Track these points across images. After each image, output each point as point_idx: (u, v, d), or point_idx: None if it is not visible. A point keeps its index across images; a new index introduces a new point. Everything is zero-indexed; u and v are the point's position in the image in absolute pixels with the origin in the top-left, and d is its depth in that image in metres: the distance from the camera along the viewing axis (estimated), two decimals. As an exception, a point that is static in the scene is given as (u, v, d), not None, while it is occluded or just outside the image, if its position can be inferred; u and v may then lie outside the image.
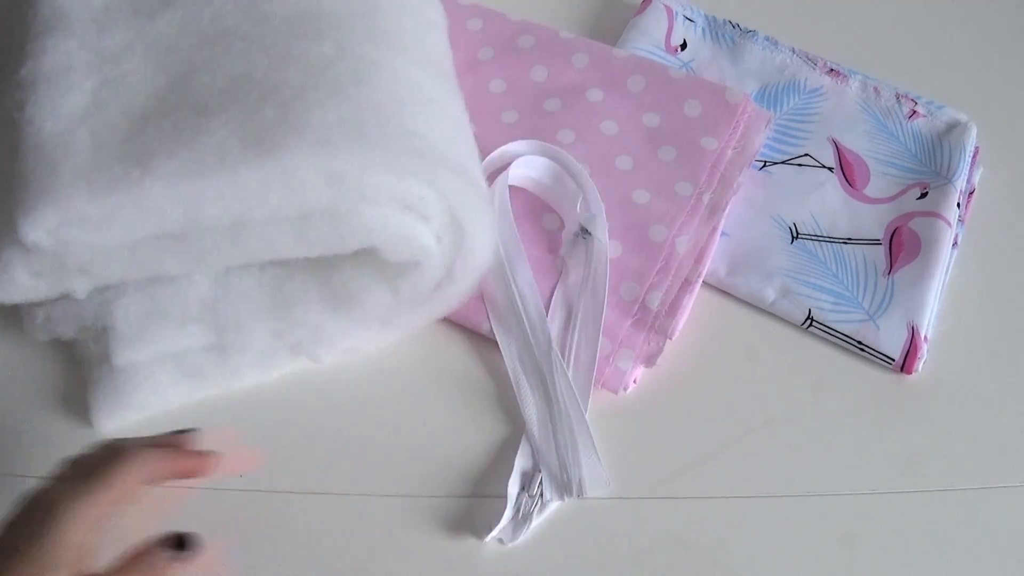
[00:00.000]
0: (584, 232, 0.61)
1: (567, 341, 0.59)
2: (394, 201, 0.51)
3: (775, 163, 0.68)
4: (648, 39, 0.72)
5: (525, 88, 0.68)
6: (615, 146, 0.65)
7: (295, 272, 0.55)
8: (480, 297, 0.60)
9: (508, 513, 0.54)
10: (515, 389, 0.58)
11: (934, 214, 0.64)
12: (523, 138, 0.65)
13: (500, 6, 0.71)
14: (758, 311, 0.63)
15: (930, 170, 0.67)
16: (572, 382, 0.57)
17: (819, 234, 0.65)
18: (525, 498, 0.54)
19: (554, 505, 0.55)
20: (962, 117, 0.69)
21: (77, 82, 0.51)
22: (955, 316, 0.63)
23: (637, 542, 0.55)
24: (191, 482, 0.55)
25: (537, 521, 0.54)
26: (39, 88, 0.50)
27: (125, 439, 0.48)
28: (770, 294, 0.62)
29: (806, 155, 0.68)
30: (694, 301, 0.61)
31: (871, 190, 0.67)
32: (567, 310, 0.60)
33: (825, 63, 0.71)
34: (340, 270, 0.55)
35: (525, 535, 0.54)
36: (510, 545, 0.54)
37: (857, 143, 0.68)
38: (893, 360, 0.60)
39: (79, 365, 0.57)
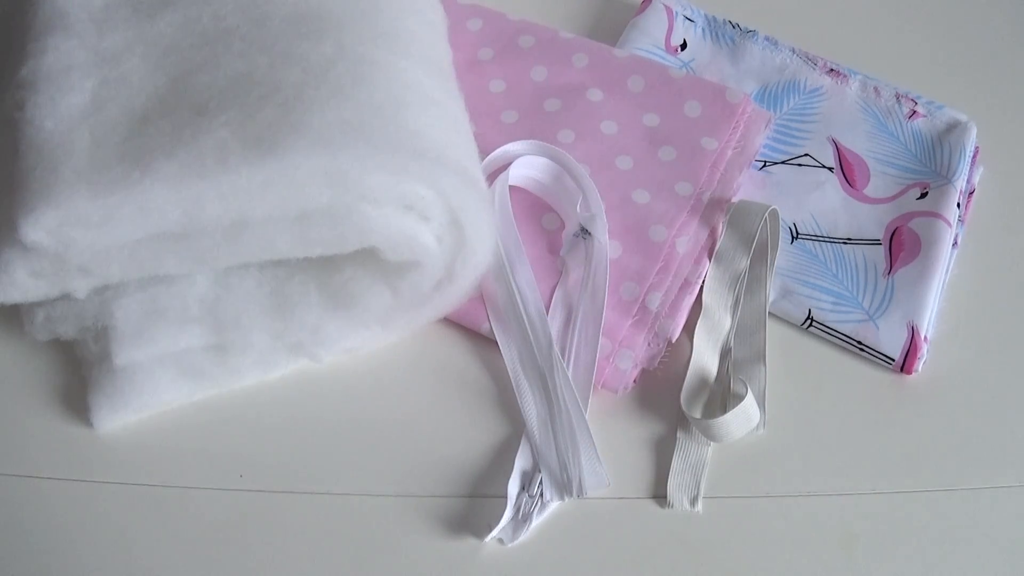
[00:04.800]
0: (584, 232, 0.61)
1: (567, 341, 0.59)
2: (394, 201, 0.51)
3: (775, 163, 0.68)
4: (648, 39, 0.72)
5: (525, 88, 0.68)
6: (615, 146, 0.65)
7: (295, 272, 0.55)
8: (480, 297, 0.60)
9: (508, 513, 0.54)
10: (515, 389, 0.58)
11: (934, 214, 0.64)
12: (523, 138, 0.65)
13: (500, 6, 0.71)
14: (758, 311, 0.63)
15: (930, 170, 0.67)
16: (572, 382, 0.57)
17: (819, 234, 0.65)
18: (525, 498, 0.54)
19: (554, 505, 0.55)
20: (962, 117, 0.69)
21: (77, 82, 0.51)
22: (955, 316, 0.63)
23: (637, 542, 0.55)
24: (191, 481, 0.55)
25: (537, 521, 0.54)
26: (39, 88, 0.50)
27: None
28: (770, 294, 0.62)
29: (806, 155, 0.68)
30: (694, 301, 0.61)
31: (871, 190, 0.67)
32: (567, 310, 0.60)
33: (825, 63, 0.71)
34: (340, 270, 0.55)
35: (525, 535, 0.54)
36: (510, 545, 0.54)
37: (857, 143, 0.68)
38: (893, 360, 0.60)
39: (79, 365, 0.57)
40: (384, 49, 0.53)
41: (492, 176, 0.63)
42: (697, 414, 0.58)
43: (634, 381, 0.59)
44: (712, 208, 0.63)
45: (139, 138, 0.49)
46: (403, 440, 0.57)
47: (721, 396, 0.59)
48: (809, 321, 0.62)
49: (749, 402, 0.56)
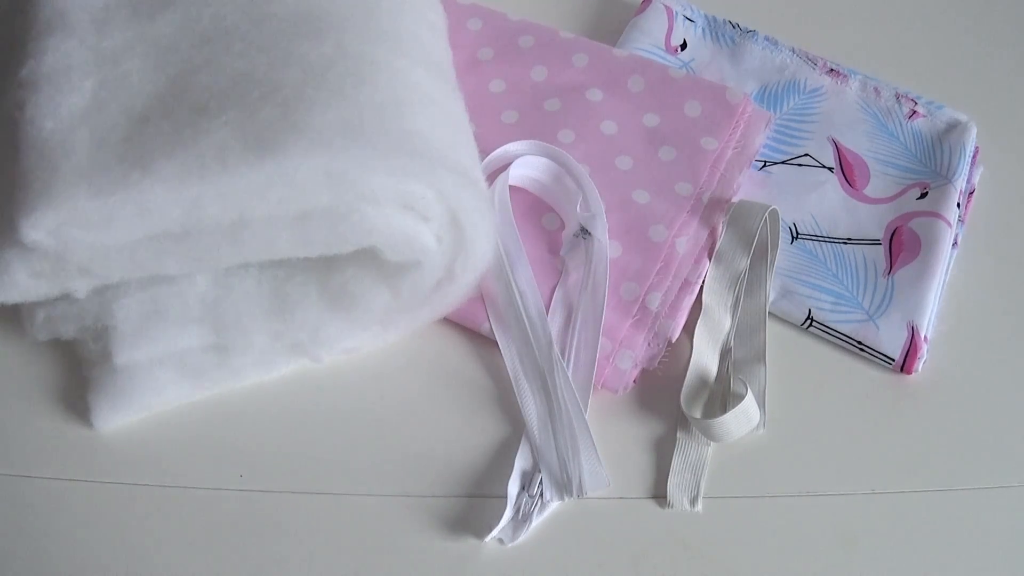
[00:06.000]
0: (584, 232, 0.61)
1: (567, 341, 0.59)
2: (394, 201, 0.51)
3: (775, 163, 0.68)
4: (648, 39, 0.72)
5: (525, 88, 0.68)
6: (615, 146, 0.65)
7: (295, 272, 0.55)
8: (480, 297, 0.60)
9: (508, 513, 0.54)
10: (515, 389, 0.58)
11: (934, 214, 0.64)
12: (523, 138, 0.65)
13: (500, 6, 0.71)
14: (758, 311, 0.63)
15: (930, 170, 0.67)
16: (572, 382, 0.57)
17: (819, 234, 0.65)
18: (525, 498, 0.54)
19: (554, 505, 0.55)
20: (962, 117, 0.69)
21: (77, 82, 0.51)
22: (955, 316, 0.63)
23: (637, 542, 0.55)
24: (191, 481, 0.55)
25: (537, 521, 0.54)
26: (39, 88, 0.50)
27: None
28: (770, 294, 0.62)
29: (806, 155, 0.68)
30: (694, 301, 0.61)
31: (871, 190, 0.67)
32: (567, 310, 0.60)
33: (825, 63, 0.71)
34: (340, 270, 0.55)
35: (525, 535, 0.54)
36: (510, 545, 0.54)
37: (857, 143, 0.68)
38: (893, 360, 0.60)
39: (79, 365, 0.57)
40: (384, 49, 0.53)
41: (492, 176, 0.63)
42: (697, 414, 0.58)
43: (634, 381, 0.59)
44: (712, 208, 0.63)
45: (139, 138, 0.49)
46: (403, 440, 0.57)
47: (721, 396, 0.59)
48: (809, 321, 0.62)
49: (749, 402, 0.56)
